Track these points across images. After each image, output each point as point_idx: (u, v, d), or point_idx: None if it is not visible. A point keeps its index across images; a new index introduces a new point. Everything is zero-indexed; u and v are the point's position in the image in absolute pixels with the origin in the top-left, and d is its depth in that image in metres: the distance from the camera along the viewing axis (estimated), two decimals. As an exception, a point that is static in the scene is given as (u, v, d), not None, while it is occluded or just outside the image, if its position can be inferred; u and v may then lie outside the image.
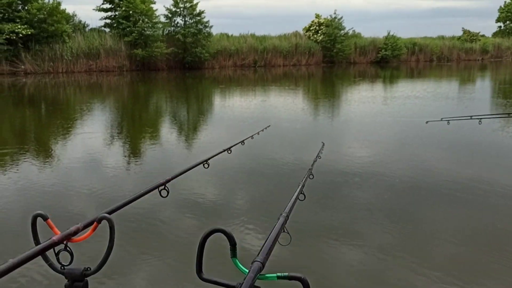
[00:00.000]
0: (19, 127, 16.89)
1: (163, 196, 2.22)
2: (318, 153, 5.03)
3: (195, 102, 25.32)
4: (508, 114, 6.62)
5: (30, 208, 7.48)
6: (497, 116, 11.35)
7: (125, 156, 11.48)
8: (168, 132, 15.43)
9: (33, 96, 26.64)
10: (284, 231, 1.92)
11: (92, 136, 14.07)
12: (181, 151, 12.26)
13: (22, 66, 37.48)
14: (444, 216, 6.89)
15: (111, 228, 1.54)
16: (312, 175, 3.49)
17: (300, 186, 2.86)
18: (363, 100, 23.26)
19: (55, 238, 1.45)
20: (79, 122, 17.34)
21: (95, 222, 1.55)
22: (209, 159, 3.03)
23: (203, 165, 2.93)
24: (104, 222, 1.54)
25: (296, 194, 2.60)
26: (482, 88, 31.53)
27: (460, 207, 7.24)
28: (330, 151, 10.47)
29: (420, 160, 10.37)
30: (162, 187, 2.28)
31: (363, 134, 13.89)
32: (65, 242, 1.47)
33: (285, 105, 22.26)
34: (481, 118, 7.91)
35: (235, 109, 20.71)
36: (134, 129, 16.19)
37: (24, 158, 11.05)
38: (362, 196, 7.78)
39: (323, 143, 6.04)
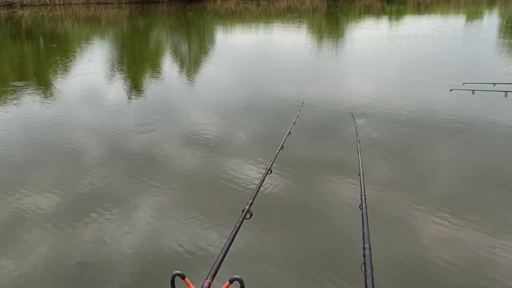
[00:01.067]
0: (19, 63, 16.74)
1: (247, 218, 2.30)
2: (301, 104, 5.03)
3: (197, 37, 24.87)
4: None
5: (31, 142, 7.60)
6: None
7: (126, 91, 11.47)
8: (169, 68, 15.29)
9: (31, 30, 26.15)
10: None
11: (92, 71, 13.99)
12: (182, 86, 12.21)
13: (18, -2, 36.46)
14: (444, 154, 6.97)
15: None
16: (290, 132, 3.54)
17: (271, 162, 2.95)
18: (368, 41, 22.76)
19: None
20: (79, 58, 17.15)
21: (228, 282, 1.69)
22: (271, 166, 3.00)
23: (268, 171, 2.92)
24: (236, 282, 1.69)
25: (265, 173, 2.70)
26: (490, 26, 30.75)
27: (461, 146, 7.30)
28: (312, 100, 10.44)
29: (422, 101, 10.32)
30: (247, 211, 2.36)
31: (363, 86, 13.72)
32: None
33: (288, 51, 21.81)
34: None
35: (236, 47, 20.38)
36: (134, 65, 16.03)
37: (25, 93, 11.07)
38: (364, 137, 7.81)
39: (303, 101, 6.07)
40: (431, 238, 4.59)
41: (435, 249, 4.40)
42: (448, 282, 3.91)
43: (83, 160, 6.75)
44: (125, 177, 6.11)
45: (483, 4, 50.25)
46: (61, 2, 38.58)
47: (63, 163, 6.65)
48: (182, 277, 1.67)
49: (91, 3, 39.99)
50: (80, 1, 39.58)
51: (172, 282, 1.68)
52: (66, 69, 14.52)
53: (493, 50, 18.43)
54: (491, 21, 33.90)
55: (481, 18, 36.47)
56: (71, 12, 35.55)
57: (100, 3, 40.28)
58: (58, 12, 34.94)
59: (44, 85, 12.35)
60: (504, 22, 32.58)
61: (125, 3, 41.56)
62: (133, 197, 5.53)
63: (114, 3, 40.86)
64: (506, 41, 21.30)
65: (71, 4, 38.84)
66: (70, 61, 16.37)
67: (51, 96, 10.98)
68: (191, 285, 1.70)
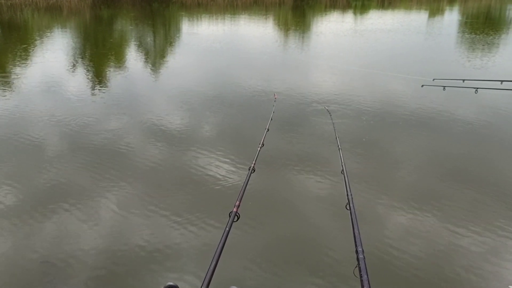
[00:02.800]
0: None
1: (235, 221, 2.17)
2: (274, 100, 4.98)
3: (162, 29, 24.42)
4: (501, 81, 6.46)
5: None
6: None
7: (89, 83, 11.12)
8: (133, 59, 14.90)
9: (-12, 18, 25.06)
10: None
11: (53, 63, 13.52)
12: (147, 79, 11.94)
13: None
14: (409, 148, 7.08)
15: None
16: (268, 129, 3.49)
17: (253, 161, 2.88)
18: (335, 35, 22.92)
19: None
20: (39, 48, 16.53)
21: None
22: (254, 164, 2.89)
23: (251, 170, 2.80)
24: None
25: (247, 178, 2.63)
26: (451, 22, 31.52)
27: (424, 140, 7.43)
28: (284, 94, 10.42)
29: (387, 93, 10.45)
30: (235, 214, 2.22)
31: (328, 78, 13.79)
32: None
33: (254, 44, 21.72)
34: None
35: (203, 39, 20.12)
36: (98, 56, 15.58)
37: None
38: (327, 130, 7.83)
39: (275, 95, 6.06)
40: (395, 231, 4.66)
41: (398, 241, 4.47)
42: (413, 272, 4.01)
43: (43, 154, 6.50)
44: (88, 172, 5.93)
45: (444, 1, 51.50)
46: (20, -10, 37.21)
47: (22, 157, 6.40)
48: None
49: (51, -8, 38.72)
50: (40, -11, 38.27)
51: None
52: (25, 60, 13.97)
53: (458, 46, 18.90)
54: (452, 17, 34.78)
55: (443, 14, 37.38)
56: (30, 0, 34.30)
57: (61, -8, 39.05)
58: (17, 1, 33.65)
59: (2, 76, 11.83)
60: (465, 18, 33.48)
61: (88, -8, 40.41)
62: (96, 193, 5.39)
63: (76, -8, 39.69)
64: (467, 35, 21.86)
65: (30, -8, 37.49)
66: (30, 51, 15.76)
67: (9, 87, 10.55)
68: None
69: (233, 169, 6.05)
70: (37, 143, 6.92)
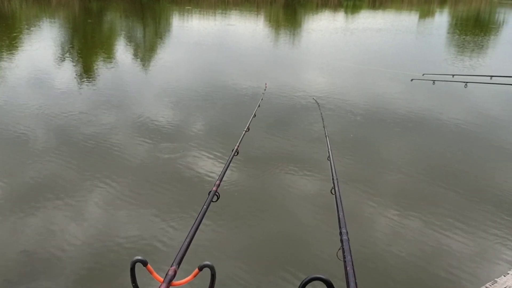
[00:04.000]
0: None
1: (214, 201, 2.08)
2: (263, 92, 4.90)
3: (152, 23, 24.21)
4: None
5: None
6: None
7: (77, 78, 10.91)
8: (122, 54, 14.69)
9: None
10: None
11: (41, 55, 13.28)
12: (135, 72, 11.77)
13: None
14: (396, 146, 7.04)
15: (213, 276, 1.53)
16: (248, 128, 3.42)
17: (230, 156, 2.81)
18: (326, 32, 22.91)
19: (162, 286, 1.44)
20: (27, 40, 16.25)
21: (197, 269, 1.51)
22: (237, 147, 2.79)
23: (234, 153, 2.71)
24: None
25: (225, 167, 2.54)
26: (441, 23, 31.69)
27: (412, 138, 7.40)
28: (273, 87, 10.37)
29: (375, 94, 10.42)
30: (214, 193, 2.13)
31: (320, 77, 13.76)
32: None
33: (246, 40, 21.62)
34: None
35: (193, 34, 19.97)
36: (86, 50, 15.35)
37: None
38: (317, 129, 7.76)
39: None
40: (382, 231, 4.59)
41: (386, 241, 4.41)
42: (401, 273, 3.99)
43: (29, 148, 6.30)
44: (75, 167, 5.77)
45: (434, 3, 51.83)
46: (8, -20, 36.66)
47: (7, 151, 6.19)
48: (144, 263, 1.46)
49: (40, -17, 38.22)
50: (29, -20, 37.75)
51: (132, 269, 1.47)
52: (12, 52, 13.70)
53: (448, 45, 18.97)
54: (442, 19, 35.01)
55: (433, 16, 37.61)
56: (18, -9, 33.81)
57: (50, -17, 38.57)
58: (4, -9, 33.15)
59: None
60: (454, 20, 33.70)
61: (77, -16, 39.96)
62: (83, 187, 5.25)
63: (65, -16, 39.23)
64: (457, 36, 21.97)
65: (18, -17, 36.97)
66: (17, 43, 15.47)
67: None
68: (154, 272, 1.49)
69: (221, 161, 5.95)
70: (22, 137, 6.70)
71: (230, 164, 2.70)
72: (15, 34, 17.04)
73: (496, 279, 3.20)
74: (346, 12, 36.98)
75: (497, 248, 4.27)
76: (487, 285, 3.15)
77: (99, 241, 4.16)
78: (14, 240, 4.15)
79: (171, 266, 1.52)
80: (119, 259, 3.91)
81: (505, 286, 3.09)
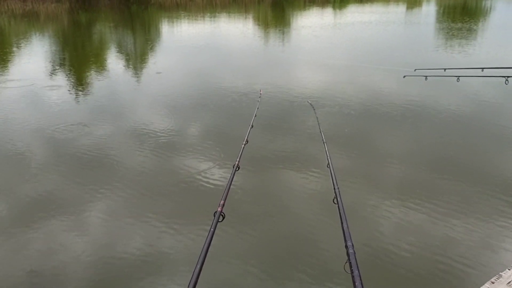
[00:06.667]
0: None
1: (220, 221, 2.11)
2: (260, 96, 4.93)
3: (142, 31, 24.20)
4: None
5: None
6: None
7: (70, 90, 10.91)
8: (114, 64, 14.69)
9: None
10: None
11: (32, 70, 13.25)
12: (128, 81, 11.78)
13: None
14: (394, 139, 7.12)
15: None
16: (247, 141, 3.47)
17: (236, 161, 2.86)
18: (316, 29, 22.95)
19: None
20: (17, 56, 16.24)
21: None
22: (238, 162, 2.82)
23: (236, 168, 2.75)
24: None
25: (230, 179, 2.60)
26: (428, 12, 31.78)
27: (409, 134, 7.47)
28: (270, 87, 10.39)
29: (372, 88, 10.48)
30: (220, 214, 2.16)
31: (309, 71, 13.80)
32: None
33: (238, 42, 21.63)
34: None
35: (183, 39, 20.00)
36: (78, 62, 15.36)
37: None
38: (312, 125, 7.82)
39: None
40: (384, 225, 4.67)
41: (388, 236, 4.49)
42: (408, 266, 4.04)
43: (26, 164, 6.35)
44: (73, 180, 5.81)
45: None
46: (-5, -3, 36.59)
47: (4, 167, 6.23)
48: None
49: (27, -2, 38.14)
50: (15, -4, 37.67)
51: None
52: (3, 69, 13.68)
53: (437, 35, 19.06)
54: (429, 8, 35.08)
55: (420, 6, 37.69)
56: (6, 7, 33.78)
57: (37, -2, 38.48)
58: (-9, 8, 33.10)
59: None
60: (442, 9, 33.80)
61: (64, -3, 39.88)
62: (83, 201, 5.28)
63: (52, -3, 39.15)
64: (445, 24, 22.05)
65: (5, -1, 36.89)
66: (8, 59, 15.45)
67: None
68: None
69: (220, 169, 6.00)
70: (20, 152, 6.74)
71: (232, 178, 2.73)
72: (5, 50, 17.01)
73: (500, 273, 3.26)
74: (333, 8, 37.04)
75: (502, 240, 4.33)
76: (492, 280, 3.20)
77: (103, 255, 4.21)
78: (20, 259, 4.18)
79: None
80: (124, 272, 3.96)
81: (510, 281, 3.14)
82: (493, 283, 3.19)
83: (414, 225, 4.62)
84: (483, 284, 3.20)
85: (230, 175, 2.69)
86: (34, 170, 6.11)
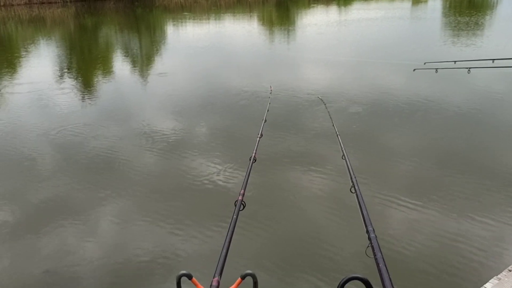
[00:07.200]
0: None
1: (240, 210, 2.16)
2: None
3: (147, 34, 24.29)
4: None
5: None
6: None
7: (78, 94, 10.91)
8: (121, 67, 14.73)
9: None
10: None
11: (40, 75, 13.32)
12: (136, 84, 11.83)
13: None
14: (405, 134, 7.10)
15: (255, 284, 1.61)
16: (261, 135, 3.49)
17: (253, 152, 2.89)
18: (322, 26, 22.92)
19: None
20: (25, 61, 16.34)
21: (239, 278, 1.61)
22: (255, 154, 2.86)
23: (253, 160, 2.79)
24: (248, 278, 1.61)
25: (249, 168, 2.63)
26: (434, 7, 31.62)
27: (420, 128, 7.45)
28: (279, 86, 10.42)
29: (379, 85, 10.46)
30: (241, 202, 2.22)
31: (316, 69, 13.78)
32: None
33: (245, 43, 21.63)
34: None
35: (188, 38, 20.05)
36: (85, 65, 15.43)
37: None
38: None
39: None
40: (396, 220, 4.65)
41: (401, 230, 4.47)
42: (420, 263, 4.03)
43: (37, 169, 6.34)
44: (84, 184, 5.79)
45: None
46: (2, 4, 36.87)
47: (16, 173, 6.23)
48: (189, 277, 1.54)
49: (34, 3, 38.41)
50: (22, 2, 37.95)
51: (178, 283, 1.54)
52: (11, 74, 13.78)
53: (444, 29, 18.97)
54: (435, 3, 34.90)
55: (426, 1, 37.48)
56: (13, 13, 34.05)
57: (43, 3, 38.75)
58: (-2, 14, 33.37)
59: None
60: (447, 3, 33.61)
61: (70, 1, 40.16)
62: (95, 204, 5.26)
63: (58, 2, 39.41)
64: (452, 18, 21.95)
65: (12, 5, 37.19)
66: (16, 65, 15.56)
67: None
68: (199, 285, 1.56)
69: (236, 169, 6.01)
70: (30, 157, 6.74)
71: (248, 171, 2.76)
72: (13, 56, 17.14)
73: (509, 269, 3.26)
74: (338, 5, 36.96)
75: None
76: (499, 275, 3.20)
77: (116, 256, 4.23)
78: (35, 260, 4.21)
79: (213, 278, 1.58)
80: (137, 272, 3.97)
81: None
82: (500, 279, 3.19)
83: (423, 219, 4.60)
84: (491, 278, 3.22)
85: (247, 167, 2.73)
86: (46, 174, 6.11)
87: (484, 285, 3.24)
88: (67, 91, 10.98)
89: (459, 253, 4.02)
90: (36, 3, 38.62)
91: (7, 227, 4.79)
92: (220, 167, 6.00)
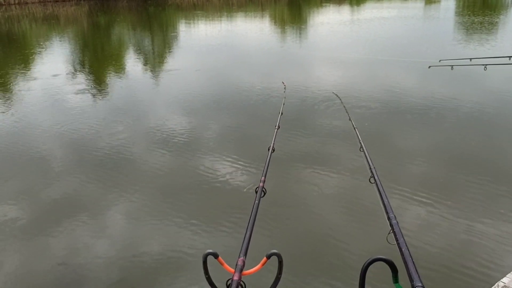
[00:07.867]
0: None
1: (262, 196, 2.21)
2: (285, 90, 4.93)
3: (160, 32, 24.42)
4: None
5: None
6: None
7: (91, 92, 10.95)
8: (133, 64, 14.82)
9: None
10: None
11: (54, 73, 13.44)
12: (148, 82, 11.89)
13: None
14: (417, 137, 7.07)
15: (281, 263, 1.63)
16: (279, 126, 3.53)
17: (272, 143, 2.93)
18: (335, 24, 22.87)
19: (235, 277, 1.54)
20: (39, 59, 16.49)
21: (265, 257, 1.63)
22: (273, 144, 2.92)
23: (272, 150, 2.85)
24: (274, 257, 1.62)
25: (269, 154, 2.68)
26: (447, 6, 31.41)
27: (435, 127, 7.42)
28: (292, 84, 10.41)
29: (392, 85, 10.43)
30: (262, 188, 2.27)
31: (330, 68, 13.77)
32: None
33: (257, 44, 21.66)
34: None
35: (200, 37, 20.11)
36: (98, 64, 15.54)
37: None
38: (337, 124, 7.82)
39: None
40: (407, 219, 4.62)
41: (413, 230, 4.45)
42: (432, 265, 4.02)
43: (49, 167, 6.34)
44: (95, 182, 5.80)
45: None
46: (16, 2, 37.29)
47: (29, 171, 6.24)
48: (215, 256, 1.57)
49: (47, 1, 38.79)
50: (37, 0, 38.33)
51: (205, 262, 1.58)
52: (25, 72, 13.90)
53: (459, 27, 18.84)
54: (448, 3, 34.66)
55: (439, 1, 37.24)
56: (27, 11, 34.39)
57: (57, 1, 39.12)
58: (13, 12, 33.74)
59: (2, 89, 11.78)
60: (461, 3, 33.37)
61: (84, 0, 40.48)
62: (107, 202, 5.27)
63: (72, 0, 39.77)
64: (466, 18, 21.78)
65: (27, 3, 37.58)
66: (30, 63, 15.72)
67: (10, 100, 10.42)
68: (225, 264, 1.59)
69: (248, 160, 6.04)
70: (42, 155, 6.76)
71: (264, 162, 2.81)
72: (27, 54, 17.32)
73: None
74: (351, 5, 36.85)
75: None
76: (508, 275, 3.20)
77: (128, 254, 4.25)
78: (50, 255, 4.25)
79: (238, 257, 1.61)
80: (149, 271, 3.99)
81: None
82: (510, 278, 3.19)
83: (435, 220, 4.56)
84: (499, 279, 3.22)
85: (267, 156, 2.78)
86: (56, 173, 6.11)
87: (501, 280, 3.24)
88: (80, 88, 11.05)
89: (464, 258, 3.98)
90: (50, 1, 39.01)
91: (20, 222, 4.84)
92: (235, 162, 6.02)
